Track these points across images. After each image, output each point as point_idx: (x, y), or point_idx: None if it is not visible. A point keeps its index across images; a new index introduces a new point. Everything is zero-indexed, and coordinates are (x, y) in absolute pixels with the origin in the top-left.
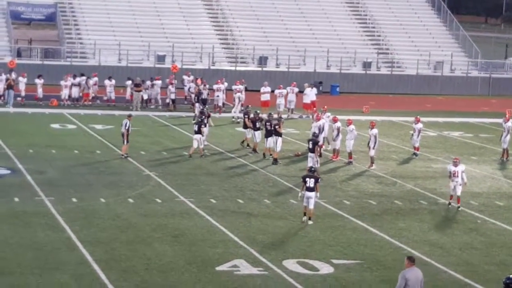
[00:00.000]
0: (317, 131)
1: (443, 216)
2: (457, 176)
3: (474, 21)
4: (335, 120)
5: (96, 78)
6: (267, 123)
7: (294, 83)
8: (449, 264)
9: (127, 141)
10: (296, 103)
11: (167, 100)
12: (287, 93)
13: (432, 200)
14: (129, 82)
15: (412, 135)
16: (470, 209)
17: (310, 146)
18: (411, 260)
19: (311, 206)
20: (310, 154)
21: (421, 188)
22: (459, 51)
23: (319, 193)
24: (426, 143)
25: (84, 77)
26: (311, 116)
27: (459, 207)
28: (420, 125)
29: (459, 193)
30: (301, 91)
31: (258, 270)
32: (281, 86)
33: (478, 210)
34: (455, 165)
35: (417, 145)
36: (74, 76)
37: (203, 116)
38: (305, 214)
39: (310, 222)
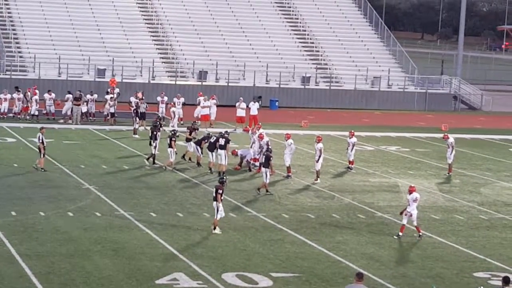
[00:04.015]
0: (265, 147)
1: (380, 229)
2: (409, 205)
3: (410, 37)
4: (261, 138)
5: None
6: (220, 138)
7: (214, 95)
8: (386, 277)
9: (43, 155)
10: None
11: (105, 113)
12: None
13: (369, 213)
14: (69, 96)
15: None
16: (407, 222)
17: (263, 161)
18: (358, 276)
19: (215, 216)
20: (263, 169)
21: (358, 202)
22: (396, 66)
23: (221, 204)
24: (363, 157)
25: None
26: (241, 130)
27: (419, 235)
28: (354, 139)
29: (411, 222)
30: (233, 105)
31: (198, 283)
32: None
33: (414, 224)
34: (409, 193)
35: (351, 159)
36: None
37: (157, 130)
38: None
39: (215, 231)
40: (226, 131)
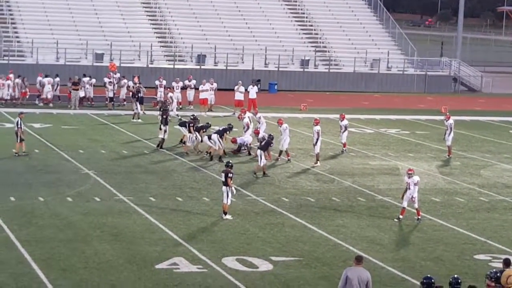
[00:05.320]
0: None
1: (381, 212)
2: (409, 188)
3: (410, 19)
4: (256, 133)
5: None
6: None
7: (212, 79)
8: (387, 260)
9: (21, 139)
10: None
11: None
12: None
13: (369, 197)
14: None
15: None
16: (407, 205)
17: (263, 144)
18: (358, 259)
19: (224, 201)
20: (258, 151)
21: (359, 185)
22: (395, 49)
23: (234, 188)
24: (363, 140)
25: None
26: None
27: (418, 219)
28: (345, 122)
29: (412, 205)
30: (232, 89)
31: (198, 268)
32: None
33: (415, 206)
34: (409, 176)
35: (343, 141)
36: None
37: (166, 114)
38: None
39: (226, 217)
40: (230, 124)
